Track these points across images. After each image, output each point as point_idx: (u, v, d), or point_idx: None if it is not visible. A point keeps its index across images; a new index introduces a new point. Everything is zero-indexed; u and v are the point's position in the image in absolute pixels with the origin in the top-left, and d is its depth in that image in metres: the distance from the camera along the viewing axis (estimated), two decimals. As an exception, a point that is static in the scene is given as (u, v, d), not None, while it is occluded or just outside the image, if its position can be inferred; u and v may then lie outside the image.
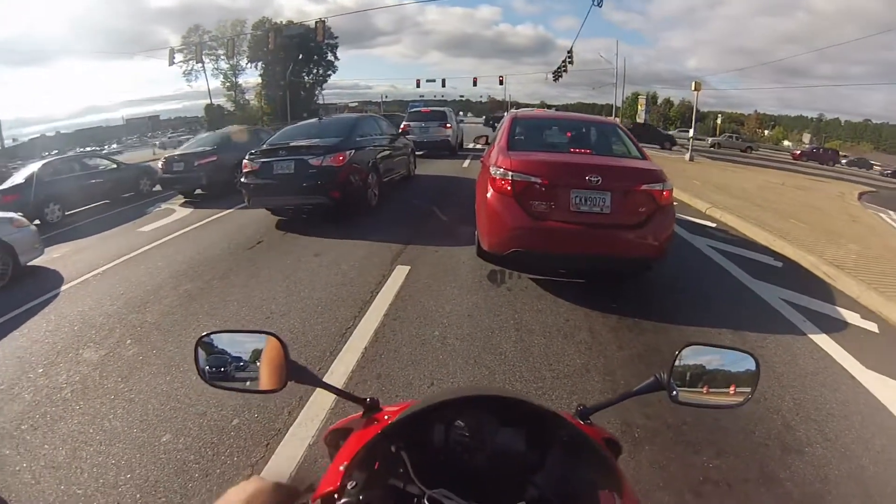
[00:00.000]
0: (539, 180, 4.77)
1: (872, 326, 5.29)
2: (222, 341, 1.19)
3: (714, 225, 9.30)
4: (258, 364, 1.14)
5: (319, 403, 3.20)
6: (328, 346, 3.98)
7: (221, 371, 1.17)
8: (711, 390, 1.20)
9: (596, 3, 17.12)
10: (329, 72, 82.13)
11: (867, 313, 5.61)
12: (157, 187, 14.02)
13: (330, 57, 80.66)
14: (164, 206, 11.88)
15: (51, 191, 11.44)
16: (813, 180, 25.82)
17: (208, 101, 69.85)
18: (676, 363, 1.16)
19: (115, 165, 14.14)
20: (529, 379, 3.55)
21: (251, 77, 78.90)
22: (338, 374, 3.59)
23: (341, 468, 0.91)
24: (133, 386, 3.68)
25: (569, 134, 6.38)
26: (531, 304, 4.75)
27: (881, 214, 16.16)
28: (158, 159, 14.53)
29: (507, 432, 0.95)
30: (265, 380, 1.13)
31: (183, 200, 12.21)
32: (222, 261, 6.46)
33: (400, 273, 5.54)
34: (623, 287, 5.37)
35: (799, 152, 54.89)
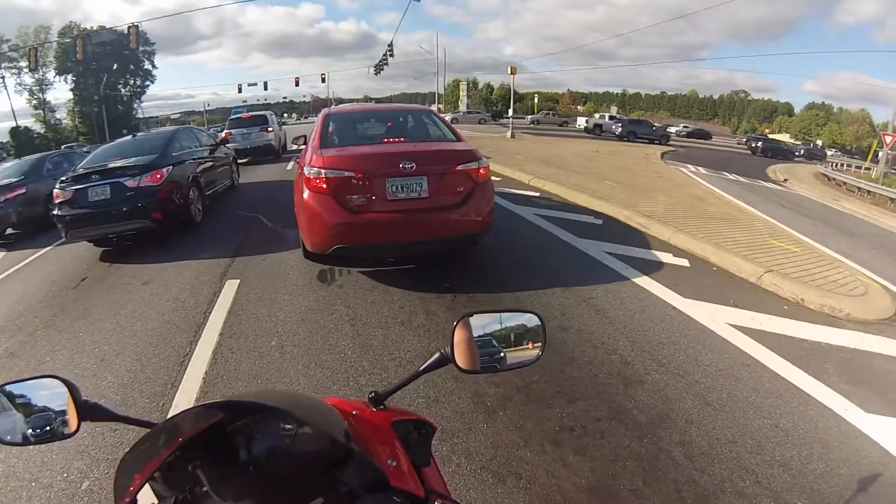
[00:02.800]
0: (353, 174, 4.75)
1: (684, 262, 6.07)
2: (10, 395, 1.09)
3: (538, 194, 10.04)
4: (47, 411, 1.07)
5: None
6: (168, 378, 3.64)
7: (8, 426, 1.07)
8: (501, 354, 1.22)
9: None
10: (147, 82, 75.48)
11: (678, 252, 6.45)
12: None
13: (147, 66, 74.17)
14: None
15: None
16: (622, 146, 28.81)
17: (14, 124, 59.14)
18: (455, 334, 1.17)
19: None
20: (371, 372, 3.51)
21: (61, 92, 70.35)
22: (182, 405, 3.26)
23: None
24: None
25: (384, 125, 6.46)
26: (364, 298, 4.72)
27: (682, 169, 18.49)
28: None
29: (308, 433, 0.91)
30: (55, 426, 1.07)
31: None
32: (45, 306, 5.61)
33: (230, 288, 5.23)
34: (454, 265, 5.55)
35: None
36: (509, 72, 29.07)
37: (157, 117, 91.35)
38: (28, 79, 63.23)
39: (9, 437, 1.06)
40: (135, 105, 75.81)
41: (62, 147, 34.26)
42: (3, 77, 58.02)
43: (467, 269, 5.46)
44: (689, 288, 5.15)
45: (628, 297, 4.83)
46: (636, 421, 3.00)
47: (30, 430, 1.07)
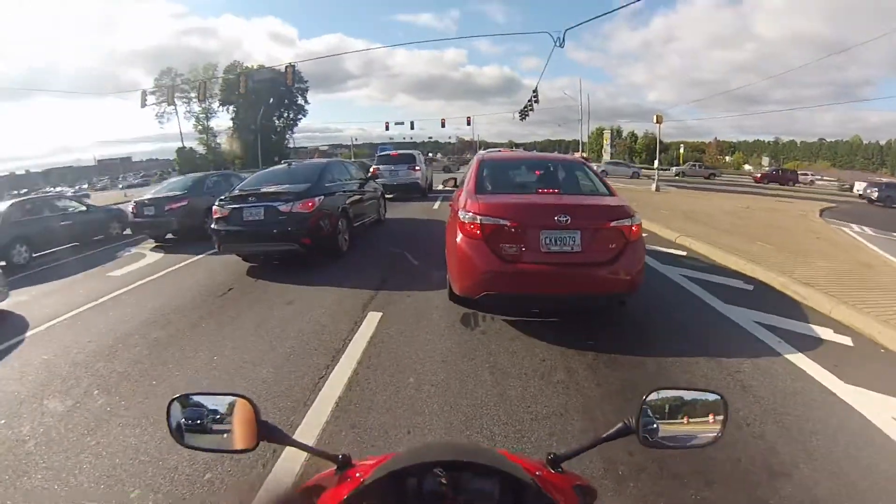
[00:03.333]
0: (508, 223, 4.87)
1: (846, 340, 5.45)
2: (194, 403, 1.24)
3: (685, 253, 9.56)
4: (230, 425, 1.19)
5: (293, 458, 3.13)
6: (302, 397, 3.92)
7: (194, 432, 1.21)
8: (681, 431, 1.24)
9: (558, 43, 17.77)
10: (299, 115, 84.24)
11: (840, 327, 5.80)
12: (128, 231, 13.93)
13: (300, 101, 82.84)
14: (134, 250, 11.73)
15: (18, 232, 11.32)
16: (777, 201, 26.78)
17: (180, 144, 70.29)
18: (644, 407, 1.22)
19: (84, 208, 14.06)
20: (507, 422, 3.53)
21: (223, 120, 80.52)
22: (312, 424, 3.52)
23: None
24: (100, 439, 3.53)
25: (536, 174, 6.54)
26: (506, 347, 4.76)
27: (843, 228, 16.79)
28: (129, 202, 14.45)
29: (482, 481, 0.98)
30: (237, 440, 1.18)
31: (153, 245, 12.09)
32: (193, 308, 6.37)
33: (372, 319, 5.52)
34: (599, 323, 5.43)
35: (760, 175, 57.21)
36: (655, 120, 28.13)
37: (306, 148, 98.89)
38: (196, 107, 73.78)
39: (196, 444, 1.21)
40: (287, 136, 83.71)
41: (220, 169, 38.36)
42: (175, 105, 67.72)
43: (610, 328, 5.32)
44: (851, 371, 4.56)
45: (780, 376, 4.41)
46: (780, 518, 2.73)
47: (214, 439, 1.21)
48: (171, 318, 6.04)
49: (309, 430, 3.47)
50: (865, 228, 18.52)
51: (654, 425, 1.22)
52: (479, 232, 4.89)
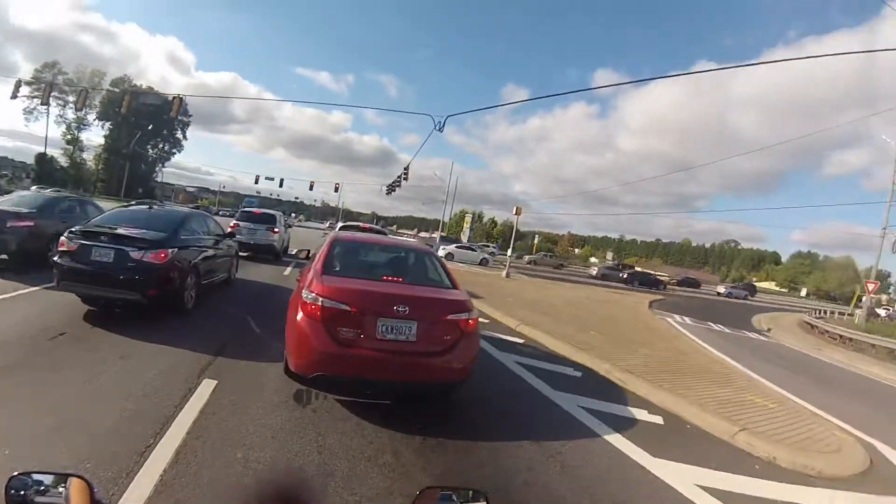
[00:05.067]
0: (348, 307, 4.97)
1: (658, 419, 6.14)
2: (31, 482, 1.20)
3: (522, 341, 10.14)
4: None
5: None
6: (125, 466, 3.53)
7: None
8: None
9: (438, 127, 18.78)
10: (174, 150, 79.65)
11: (654, 409, 6.53)
12: None
13: (179, 134, 78.50)
14: None
15: None
16: (613, 292, 29.38)
17: (42, 150, 61.50)
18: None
19: None
20: (332, 502, 3.48)
21: (95, 135, 72.93)
22: (132, 499, 3.20)
23: None
24: None
25: (385, 259, 6.78)
26: (336, 426, 4.70)
27: (668, 319, 18.81)
28: None
29: None
30: None
31: None
32: (15, 349, 5.49)
33: (207, 387, 5.18)
34: (429, 407, 5.57)
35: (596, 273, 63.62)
36: (514, 212, 30.43)
37: (173, 185, 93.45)
38: (70, 114, 66.83)
39: None
40: (157, 168, 79.08)
41: (79, 188, 34.07)
42: (49, 106, 60.66)
43: (440, 412, 5.47)
44: (660, 447, 5.18)
45: (597, 455, 4.84)
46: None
47: None
48: None
49: None
50: (686, 318, 20.91)
51: None
52: (319, 314, 4.93)
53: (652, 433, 5.66)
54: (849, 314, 36.54)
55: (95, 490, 1.18)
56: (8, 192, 20.54)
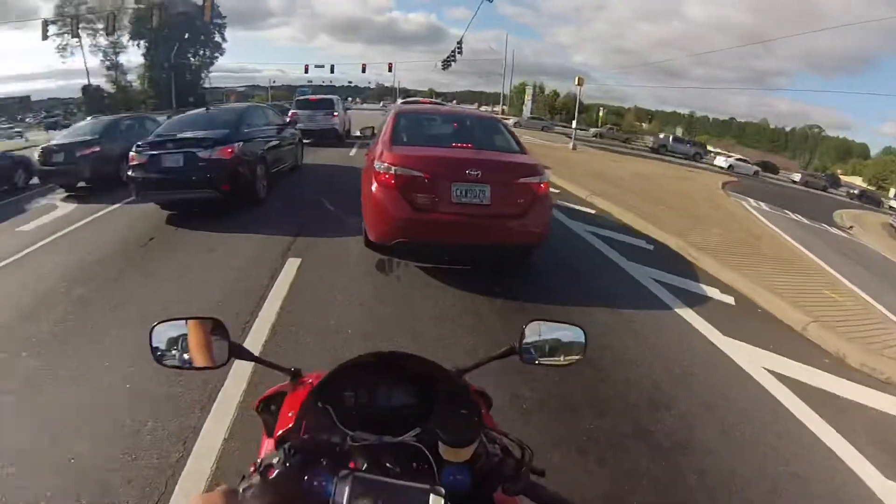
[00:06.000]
0: (421, 174, 5.04)
1: (729, 299, 6.13)
2: (171, 328, 1.35)
3: (594, 211, 10.14)
4: (203, 344, 1.33)
5: (240, 375, 3.33)
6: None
7: (171, 354, 1.34)
8: (552, 355, 1.50)
9: None
10: (216, 54, 78.18)
11: (725, 288, 6.49)
12: (35, 180, 12.58)
13: (217, 38, 76.69)
14: (44, 201, 10.61)
15: None
16: (686, 170, 28.36)
17: (86, 82, 62.68)
18: (524, 334, 1.45)
19: None
20: None
21: (133, 56, 72.57)
22: (240, 370, 3.57)
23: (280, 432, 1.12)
24: (38, 402, 3.39)
25: (451, 128, 6.71)
26: (420, 292, 4.98)
27: (742, 202, 18.12)
28: (32, 147, 13.02)
29: (402, 389, 1.28)
30: (210, 358, 1.33)
31: (65, 195, 11.03)
32: (114, 261, 6.08)
33: (292, 265, 5.56)
34: (506, 272, 5.76)
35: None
36: (576, 82, 29.00)
37: (222, 88, 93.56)
38: (103, 41, 65.71)
39: (170, 363, 1.34)
40: (203, 75, 78.37)
41: (131, 110, 35.28)
42: (80, 38, 60.09)
43: (518, 277, 5.66)
44: (730, 326, 5.21)
45: (668, 326, 4.97)
46: (658, 443, 3.17)
47: (187, 357, 1.33)
48: (93, 272, 5.74)
49: (238, 374, 3.53)
50: (762, 204, 20.05)
51: (532, 350, 1.47)
52: (393, 182, 5.03)
53: (723, 312, 5.69)
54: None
55: (229, 331, 1.35)
56: (67, 126, 21.10)
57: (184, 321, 1.35)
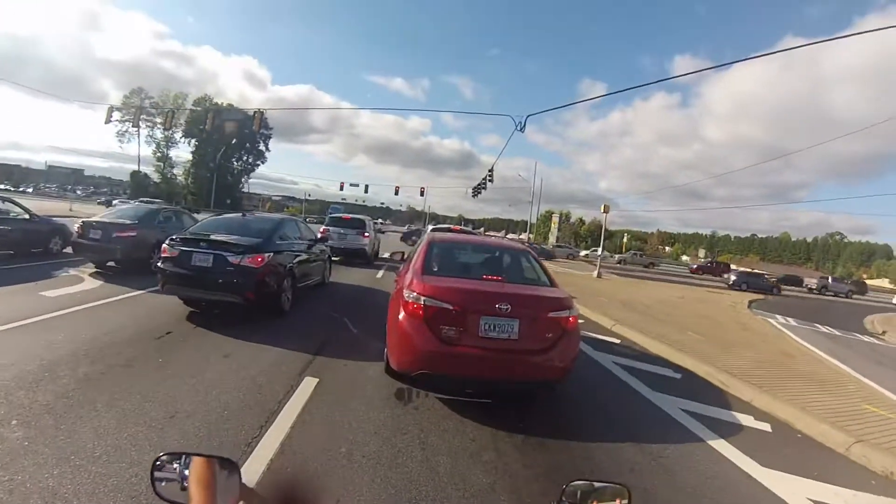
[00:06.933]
0: (450, 306, 5.06)
1: (765, 426, 5.83)
2: (176, 460, 1.29)
3: (618, 341, 9.96)
4: (205, 483, 1.23)
5: None
6: (233, 456, 3.80)
7: (174, 489, 1.25)
8: None
9: (519, 127, 18.83)
10: (258, 161, 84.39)
11: (760, 414, 6.20)
12: (69, 249, 12.92)
13: (262, 147, 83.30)
14: (72, 272, 10.92)
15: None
16: (708, 292, 28.12)
17: (136, 168, 68.58)
18: (563, 497, 1.41)
19: (27, 216, 13.27)
20: (436, 499, 3.56)
21: (182, 152, 79.38)
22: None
23: None
24: (14, 476, 3.24)
25: (482, 258, 6.85)
26: (438, 424, 4.83)
27: (769, 320, 17.76)
28: (74, 216, 13.50)
29: None
30: (213, 499, 1.22)
31: (93, 270, 11.36)
32: (128, 346, 6.07)
33: (308, 384, 5.46)
34: (529, 406, 5.60)
35: (696, 266, 60.68)
36: (602, 209, 29.85)
37: (259, 195, 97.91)
38: (159, 134, 73.19)
39: (175, 498, 1.23)
40: (242, 180, 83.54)
41: (172, 201, 36.77)
42: (139, 127, 67.21)
43: (541, 411, 5.49)
44: (768, 456, 4.93)
45: (701, 461, 4.68)
46: None
47: (190, 497, 1.22)
48: (104, 353, 5.76)
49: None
50: (790, 319, 19.64)
51: None
52: (421, 312, 5.06)
53: (759, 440, 5.40)
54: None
55: (241, 474, 1.25)
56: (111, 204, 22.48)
57: (192, 455, 1.28)
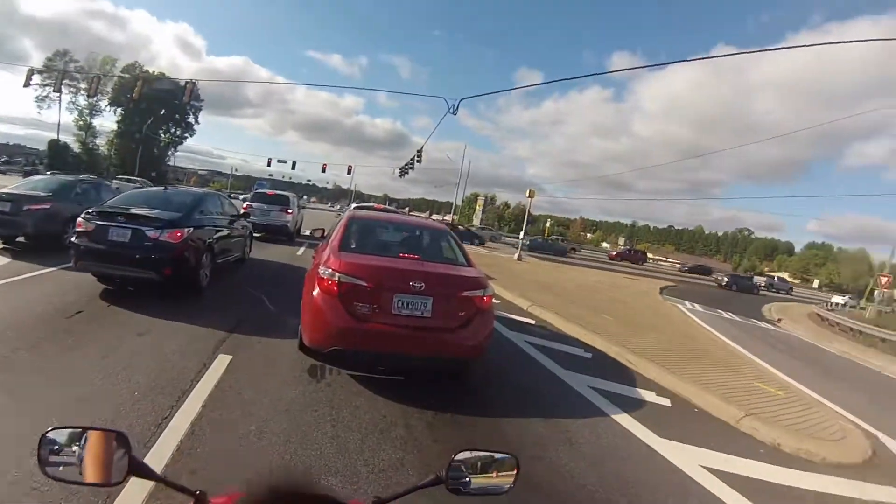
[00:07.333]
0: (364, 283, 5.00)
1: (666, 402, 6.18)
2: (68, 435, 1.23)
3: (533, 322, 10.18)
4: (99, 457, 1.19)
5: (138, 491, 2.92)
6: (142, 437, 3.58)
7: (62, 465, 1.20)
8: (489, 483, 1.46)
9: (451, 110, 18.79)
10: (186, 134, 79.65)
11: (662, 391, 6.57)
12: None
13: (191, 119, 78.47)
14: None
15: None
16: (624, 277, 29.32)
17: (55, 136, 61.78)
18: (453, 463, 1.41)
19: None
20: (345, 474, 3.52)
21: (107, 121, 73.81)
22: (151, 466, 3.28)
23: None
24: None
25: (401, 237, 6.80)
26: (349, 401, 4.78)
27: (678, 305, 18.75)
28: None
29: None
30: (106, 474, 1.19)
31: (1, 245, 10.34)
32: (35, 327, 5.62)
33: (221, 362, 5.26)
34: (441, 383, 5.63)
35: (615, 253, 63.21)
36: (527, 194, 30.29)
37: (185, 169, 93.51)
38: (82, 101, 67.13)
39: (57, 475, 1.19)
40: (169, 152, 79.33)
41: (93, 173, 34.12)
42: (61, 93, 60.68)
43: (452, 389, 5.52)
44: (667, 428, 5.23)
45: (605, 433, 4.88)
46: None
47: (80, 472, 1.18)
48: (8, 335, 5.28)
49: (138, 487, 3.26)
50: (696, 305, 20.80)
51: (467, 479, 1.42)
52: (335, 289, 4.97)
53: (659, 414, 5.71)
54: (860, 308, 36.28)
55: (132, 445, 1.22)
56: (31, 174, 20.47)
57: (82, 430, 1.22)
